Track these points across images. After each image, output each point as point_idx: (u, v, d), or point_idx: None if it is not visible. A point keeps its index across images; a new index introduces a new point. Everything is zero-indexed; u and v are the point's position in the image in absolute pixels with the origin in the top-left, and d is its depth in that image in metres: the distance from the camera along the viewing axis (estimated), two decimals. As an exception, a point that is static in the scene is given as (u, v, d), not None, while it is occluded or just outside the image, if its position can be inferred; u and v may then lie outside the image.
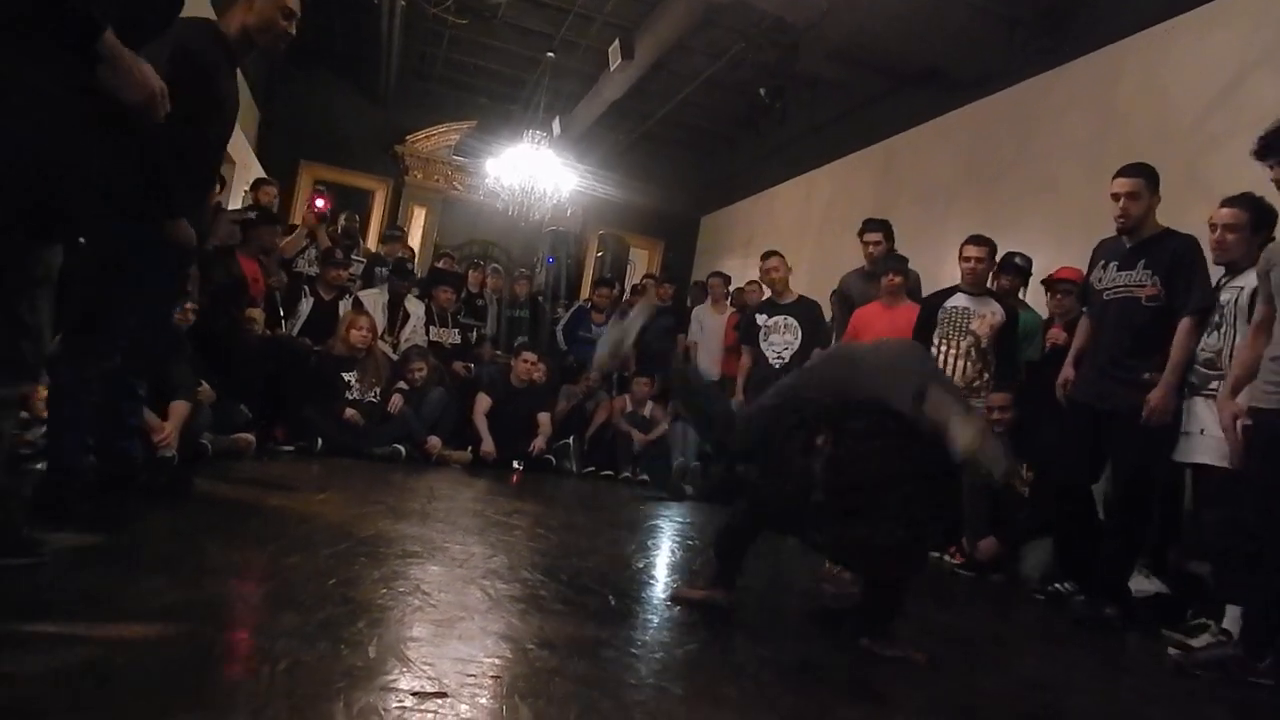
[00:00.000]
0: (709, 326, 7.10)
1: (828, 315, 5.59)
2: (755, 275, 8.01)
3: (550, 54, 9.06)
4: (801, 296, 5.59)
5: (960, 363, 4.14)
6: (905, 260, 4.93)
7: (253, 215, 5.60)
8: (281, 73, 10.06)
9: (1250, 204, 3.12)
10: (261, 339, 5.06)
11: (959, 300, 4.27)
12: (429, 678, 1.59)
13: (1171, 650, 2.87)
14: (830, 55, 7.37)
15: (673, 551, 3.72)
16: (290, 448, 4.85)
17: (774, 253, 5.74)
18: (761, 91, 8.86)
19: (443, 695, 1.51)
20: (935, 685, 2.16)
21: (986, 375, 4.18)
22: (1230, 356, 3.06)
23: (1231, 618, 2.83)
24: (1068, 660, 2.83)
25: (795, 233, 8.94)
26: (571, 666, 1.80)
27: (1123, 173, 3.41)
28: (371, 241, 9.75)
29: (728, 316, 7.08)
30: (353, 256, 6.77)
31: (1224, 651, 2.72)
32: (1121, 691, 2.52)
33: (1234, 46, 4.64)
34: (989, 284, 4.64)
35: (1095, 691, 2.45)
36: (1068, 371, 3.64)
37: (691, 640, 2.20)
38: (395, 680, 1.55)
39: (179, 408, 3.69)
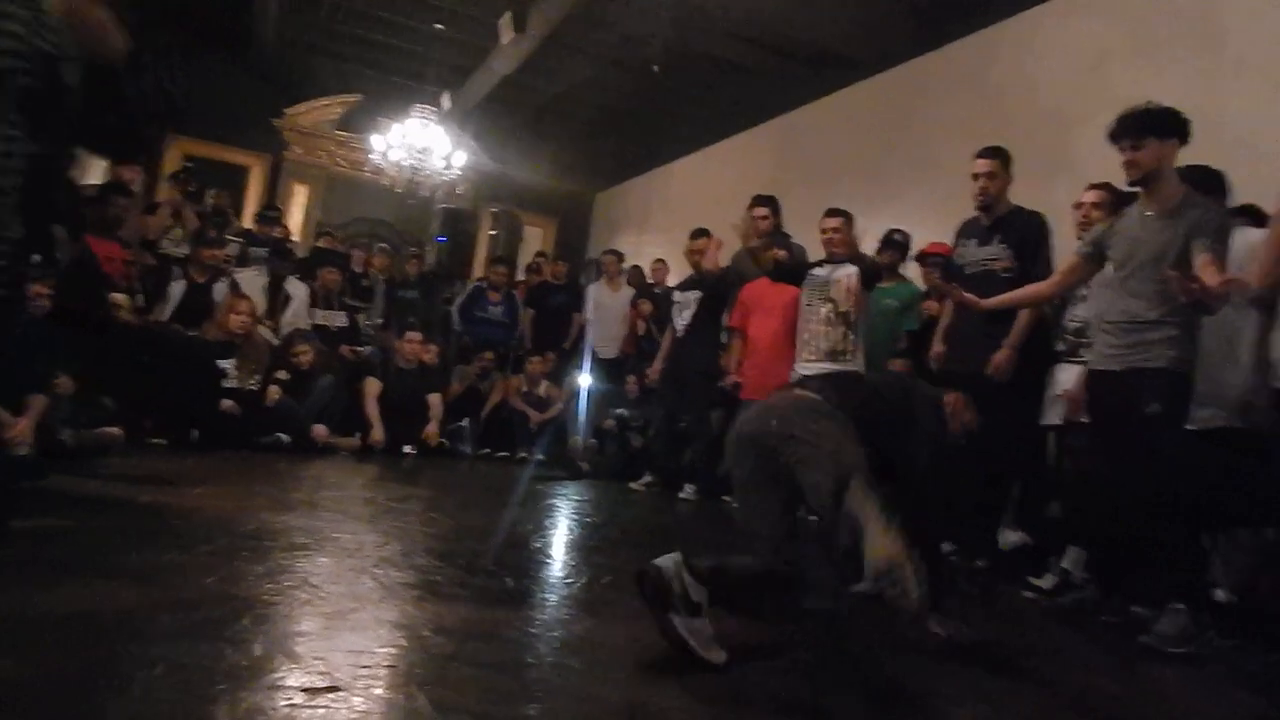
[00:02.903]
0: (604, 304, 7.07)
1: None
2: (655, 252, 8.08)
3: (438, 25, 8.76)
4: (707, 271, 5.33)
5: (823, 328, 4.26)
6: (788, 236, 5.03)
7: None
8: (146, 38, 9.35)
9: (1113, 189, 3.42)
10: (128, 326, 4.72)
11: (819, 271, 4.39)
12: (320, 672, 1.53)
13: (1026, 593, 3.18)
14: (726, 33, 7.43)
15: (570, 530, 3.72)
16: (163, 440, 4.56)
17: (705, 233, 5.43)
18: (655, 68, 8.83)
19: (335, 689, 1.46)
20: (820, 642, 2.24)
21: (851, 337, 4.29)
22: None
23: (1070, 558, 3.12)
24: (946, 609, 2.99)
25: (691, 210, 9.00)
26: (469, 650, 1.77)
27: (982, 154, 3.73)
28: (247, 222, 9.25)
29: (624, 295, 7.05)
30: (226, 236, 6.39)
31: (1084, 595, 3.02)
32: (997, 635, 2.68)
33: (1094, 34, 4.94)
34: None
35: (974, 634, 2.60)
36: (938, 346, 3.89)
37: (590, 617, 2.20)
38: (283, 678, 1.49)
39: (35, 401, 3.41)
